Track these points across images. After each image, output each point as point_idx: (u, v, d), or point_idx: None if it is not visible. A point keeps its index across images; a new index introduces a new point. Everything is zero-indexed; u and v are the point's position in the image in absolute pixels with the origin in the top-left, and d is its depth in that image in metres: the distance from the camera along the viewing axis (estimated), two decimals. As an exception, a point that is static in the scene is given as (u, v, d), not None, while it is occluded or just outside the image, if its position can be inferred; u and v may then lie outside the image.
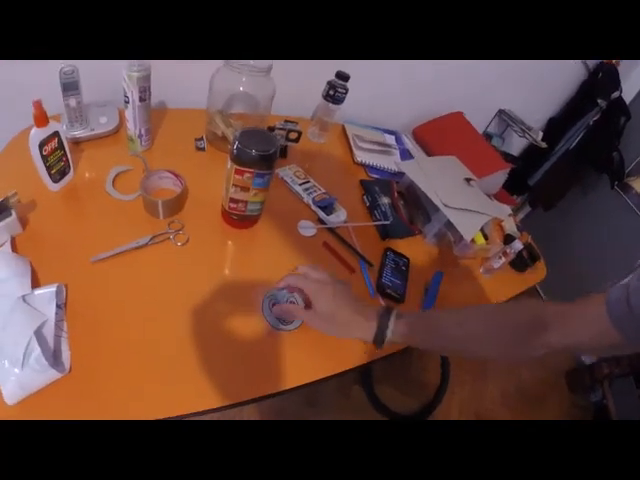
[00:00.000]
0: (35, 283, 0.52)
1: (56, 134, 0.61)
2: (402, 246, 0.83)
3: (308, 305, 0.56)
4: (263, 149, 0.58)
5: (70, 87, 0.67)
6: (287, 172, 0.86)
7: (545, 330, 0.46)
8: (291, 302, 0.62)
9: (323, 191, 0.84)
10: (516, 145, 1.73)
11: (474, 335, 0.51)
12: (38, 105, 0.57)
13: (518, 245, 0.86)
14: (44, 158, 0.61)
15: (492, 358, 0.53)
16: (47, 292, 0.50)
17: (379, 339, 0.52)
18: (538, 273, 0.99)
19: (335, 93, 0.92)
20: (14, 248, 0.56)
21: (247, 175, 0.60)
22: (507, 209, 1.14)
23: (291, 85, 0.86)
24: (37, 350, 0.44)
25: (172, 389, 0.49)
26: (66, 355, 0.48)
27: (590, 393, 1.76)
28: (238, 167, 0.59)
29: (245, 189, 0.62)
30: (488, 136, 1.57)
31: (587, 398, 1.76)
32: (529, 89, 1.49)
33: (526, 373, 1.76)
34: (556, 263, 1.14)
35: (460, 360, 1.63)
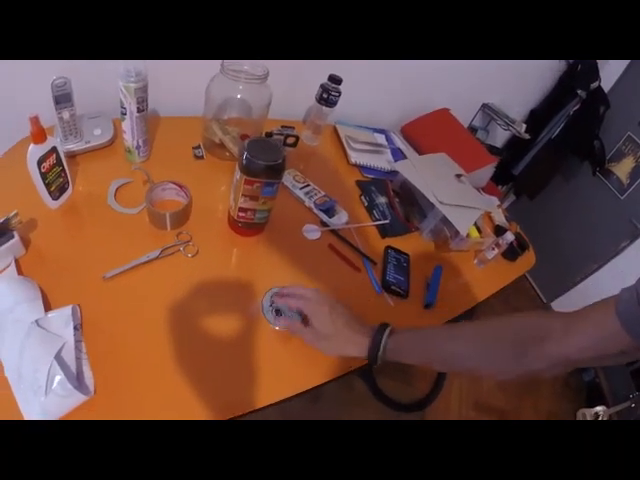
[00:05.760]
0: (46, 306, 0.51)
1: (54, 150, 0.60)
2: (401, 243, 0.85)
3: (305, 320, 0.58)
4: (272, 159, 0.58)
5: (63, 99, 0.65)
6: (287, 177, 0.86)
7: (544, 340, 0.44)
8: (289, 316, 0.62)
9: (323, 194, 0.85)
10: (500, 136, 1.77)
11: (469, 349, 0.50)
12: (35, 121, 0.54)
13: (510, 236, 0.89)
14: (43, 175, 0.59)
15: (490, 374, 0.50)
16: (62, 314, 0.49)
17: (372, 357, 0.54)
18: (528, 261, 1.03)
19: (329, 96, 0.92)
20: (19, 271, 0.54)
21: (256, 185, 0.60)
22: (495, 200, 1.18)
23: (281, 89, 0.85)
24: (60, 375, 0.43)
25: (195, 400, 0.49)
26: (89, 376, 0.47)
27: (582, 373, 1.82)
28: (248, 177, 0.59)
29: (254, 198, 0.63)
30: (473, 130, 1.59)
31: (580, 378, 1.82)
32: (511, 82, 1.52)
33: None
34: (543, 250, 1.18)
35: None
